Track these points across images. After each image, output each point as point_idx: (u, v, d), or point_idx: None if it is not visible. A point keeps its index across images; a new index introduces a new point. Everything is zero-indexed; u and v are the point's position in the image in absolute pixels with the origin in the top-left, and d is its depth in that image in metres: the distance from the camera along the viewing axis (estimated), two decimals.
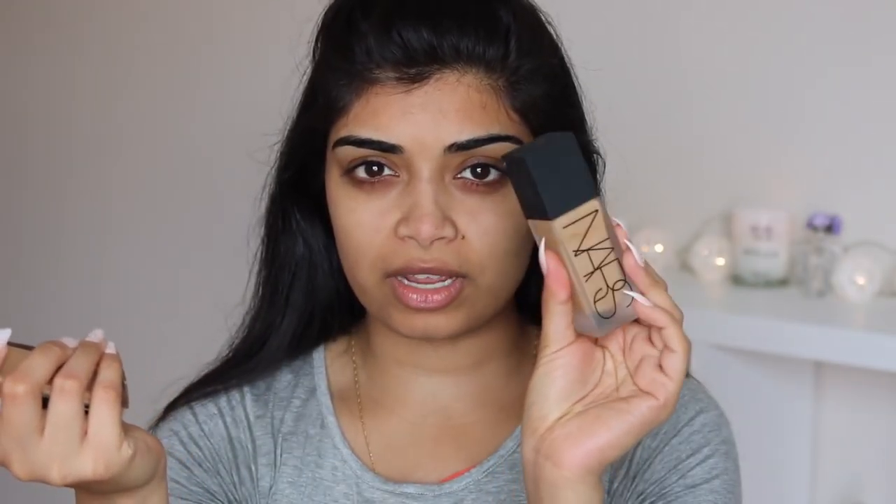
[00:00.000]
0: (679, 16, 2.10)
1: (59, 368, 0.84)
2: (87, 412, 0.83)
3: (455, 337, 1.02)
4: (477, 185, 0.98)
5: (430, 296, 0.98)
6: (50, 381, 0.83)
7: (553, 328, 0.88)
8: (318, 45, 1.04)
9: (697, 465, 1.03)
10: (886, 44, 1.93)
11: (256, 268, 1.11)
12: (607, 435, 0.87)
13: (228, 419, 1.09)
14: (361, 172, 0.99)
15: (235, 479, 1.08)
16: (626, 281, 0.87)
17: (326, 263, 1.09)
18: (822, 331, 1.76)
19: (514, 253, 0.99)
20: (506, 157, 0.89)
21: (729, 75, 2.05)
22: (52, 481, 0.83)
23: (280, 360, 1.10)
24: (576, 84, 1.04)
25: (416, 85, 0.96)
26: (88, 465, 0.83)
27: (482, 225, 0.98)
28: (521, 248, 1.00)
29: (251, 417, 1.10)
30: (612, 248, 0.87)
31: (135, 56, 2.72)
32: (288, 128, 1.06)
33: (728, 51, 2.05)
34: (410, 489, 1.06)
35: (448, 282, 0.98)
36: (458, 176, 0.98)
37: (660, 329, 0.87)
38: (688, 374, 0.94)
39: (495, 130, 0.97)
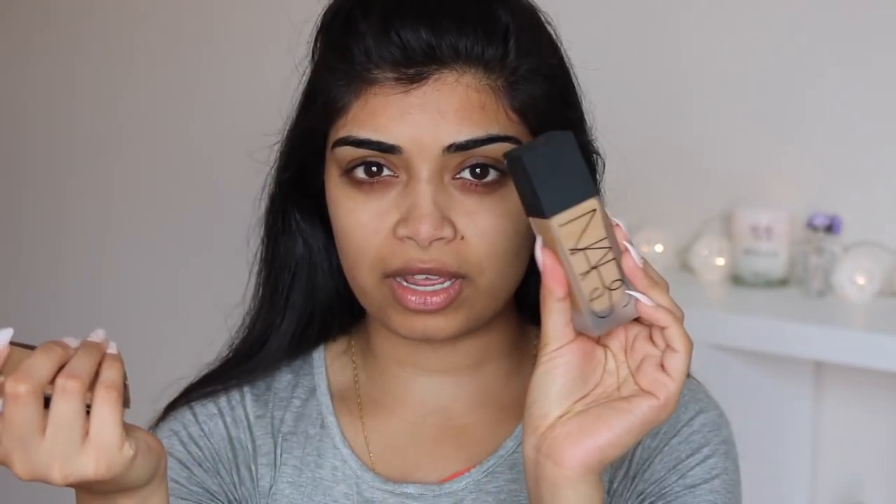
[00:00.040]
0: (679, 16, 2.10)
1: (60, 368, 0.84)
2: (88, 412, 0.83)
3: (455, 338, 1.02)
4: (476, 185, 0.97)
5: (428, 298, 0.98)
6: (52, 381, 0.83)
7: (552, 326, 0.88)
8: (317, 45, 1.03)
9: (697, 465, 1.03)
10: (886, 44, 1.93)
11: (256, 268, 1.11)
12: (608, 434, 0.87)
13: (228, 419, 1.09)
14: (360, 173, 0.98)
15: (235, 479, 1.08)
16: (624, 281, 0.87)
17: (326, 264, 1.09)
18: (822, 331, 1.76)
19: (513, 253, 0.99)
20: (506, 155, 0.89)
21: (729, 75, 2.05)
22: (54, 481, 0.83)
23: (280, 360, 1.10)
24: (575, 84, 1.04)
25: (414, 85, 0.96)
26: (90, 465, 0.83)
27: (481, 225, 0.97)
28: (521, 249, 1.00)
29: (251, 417, 1.10)
30: (610, 248, 0.87)
31: (135, 56, 2.72)
32: (287, 128, 1.06)
33: (728, 51, 2.05)
34: (410, 489, 1.06)
35: (447, 283, 0.98)
36: (457, 176, 0.97)
37: (662, 329, 0.87)
38: (688, 375, 0.94)
39: (494, 131, 0.96)
